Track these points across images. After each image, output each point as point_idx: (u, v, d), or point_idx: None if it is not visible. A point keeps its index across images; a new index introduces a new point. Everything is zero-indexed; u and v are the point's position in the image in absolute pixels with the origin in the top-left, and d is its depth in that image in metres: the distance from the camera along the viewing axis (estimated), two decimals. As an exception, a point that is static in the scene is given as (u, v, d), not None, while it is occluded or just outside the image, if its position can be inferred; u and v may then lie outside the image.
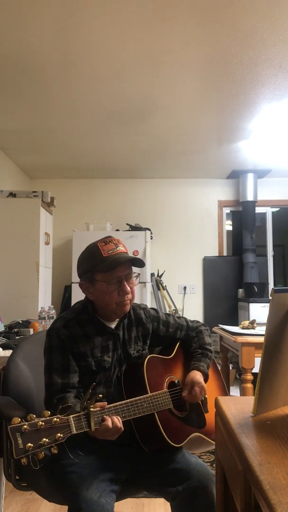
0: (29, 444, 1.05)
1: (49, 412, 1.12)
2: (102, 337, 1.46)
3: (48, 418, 1.10)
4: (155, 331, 1.59)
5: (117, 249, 1.43)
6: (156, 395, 1.38)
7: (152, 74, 2.75)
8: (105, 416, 1.19)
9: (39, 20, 2.19)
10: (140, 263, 1.45)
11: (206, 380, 1.51)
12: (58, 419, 1.10)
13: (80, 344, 1.41)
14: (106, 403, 1.22)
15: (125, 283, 1.43)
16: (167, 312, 4.67)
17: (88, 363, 1.41)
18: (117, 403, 1.27)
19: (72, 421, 1.12)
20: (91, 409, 1.15)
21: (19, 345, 1.74)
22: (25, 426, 1.06)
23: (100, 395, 1.20)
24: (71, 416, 1.13)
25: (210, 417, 1.52)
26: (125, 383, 1.45)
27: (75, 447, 1.31)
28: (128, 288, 1.43)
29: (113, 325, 1.50)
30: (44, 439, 1.07)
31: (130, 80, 2.82)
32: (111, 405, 1.24)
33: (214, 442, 1.46)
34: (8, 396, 1.53)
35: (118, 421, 1.20)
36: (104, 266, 1.39)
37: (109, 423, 1.17)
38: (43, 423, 1.08)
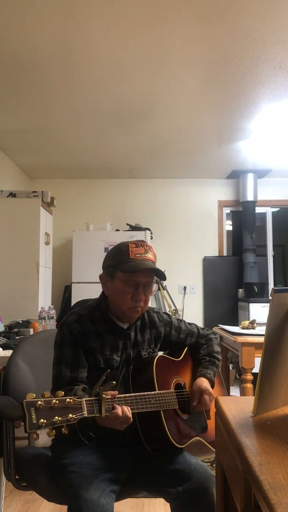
0: (42, 420, 1.07)
1: (63, 393, 1.13)
2: (113, 336, 1.47)
3: (62, 397, 1.12)
4: (166, 335, 1.60)
5: (145, 255, 1.44)
6: (163, 394, 1.39)
7: (152, 74, 2.74)
8: (115, 404, 1.20)
9: (39, 20, 2.19)
10: (162, 276, 1.46)
11: (212, 387, 1.51)
12: (71, 400, 1.12)
13: (90, 340, 1.43)
14: (117, 392, 1.24)
15: (142, 290, 1.43)
16: (167, 312, 4.67)
17: (97, 360, 1.43)
18: (127, 394, 1.29)
19: (85, 404, 1.14)
20: (103, 396, 1.17)
21: (19, 345, 1.74)
22: (40, 402, 1.08)
23: (114, 382, 1.21)
24: (83, 399, 1.15)
25: (211, 424, 1.52)
26: (133, 379, 1.46)
27: (87, 431, 1.32)
28: (143, 296, 1.44)
29: (125, 325, 1.51)
30: (57, 417, 1.09)
31: (130, 80, 2.82)
32: (122, 395, 1.26)
33: (213, 450, 1.46)
34: (8, 396, 1.53)
35: (128, 411, 1.22)
36: (127, 267, 1.40)
37: (119, 411, 1.19)
38: (57, 401, 1.10)
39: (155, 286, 1.48)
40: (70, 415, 1.11)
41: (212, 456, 1.49)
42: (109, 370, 1.25)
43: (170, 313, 1.68)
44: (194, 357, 1.64)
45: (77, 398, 1.14)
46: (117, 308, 1.47)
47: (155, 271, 1.44)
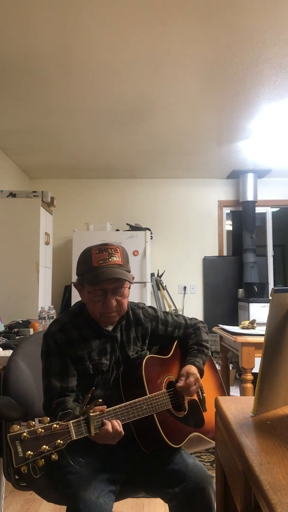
0: (29, 452, 1.03)
1: (49, 419, 1.11)
2: (100, 340, 1.45)
3: (47, 424, 1.09)
4: (154, 330, 1.57)
5: (110, 260, 1.38)
6: (155, 396, 1.37)
7: (152, 74, 2.74)
8: (104, 420, 1.18)
9: (39, 20, 2.19)
10: (129, 280, 1.41)
11: (201, 376, 1.49)
12: (57, 425, 1.09)
13: (77, 348, 1.41)
14: (105, 406, 1.21)
15: (110, 297, 1.38)
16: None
17: (86, 366, 1.40)
18: (117, 406, 1.26)
19: (72, 427, 1.11)
20: (91, 414, 1.14)
21: (19, 345, 1.74)
22: (25, 434, 1.04)
23: (100, 400, 1.18)
24: (70, 422, 1.12)
25: (208, 415, 1.51)
26: (124, 384, 1.43)
27: (76, 452, 1.30)
28: (113, 303, 1.39)
29: (110, 327, 1.48)
30: (44, 446, 1.05)
31: (130, 80, 2.82)
32: (111, 408, 1.23)
33: (213, 442, 1.45)
34: (8, 396, 1.53)
35: (118, 425, 1.19)
36: (90, 278, 1.37)
37: (109, 427, 1.17)
38: (42, 430, 1.07)
39: (126, 290, 1.42)
40: (58, 440, 1.07)
41: (211, 447, 1.49)
42: (93, 388, 1.22)
43: (155, 307, 1.65)
44: (184, 350, 1.61)
45: (64, 421, 1.11)
46: (92, 315, 1.44)
47: (119, 279, 1.37)
